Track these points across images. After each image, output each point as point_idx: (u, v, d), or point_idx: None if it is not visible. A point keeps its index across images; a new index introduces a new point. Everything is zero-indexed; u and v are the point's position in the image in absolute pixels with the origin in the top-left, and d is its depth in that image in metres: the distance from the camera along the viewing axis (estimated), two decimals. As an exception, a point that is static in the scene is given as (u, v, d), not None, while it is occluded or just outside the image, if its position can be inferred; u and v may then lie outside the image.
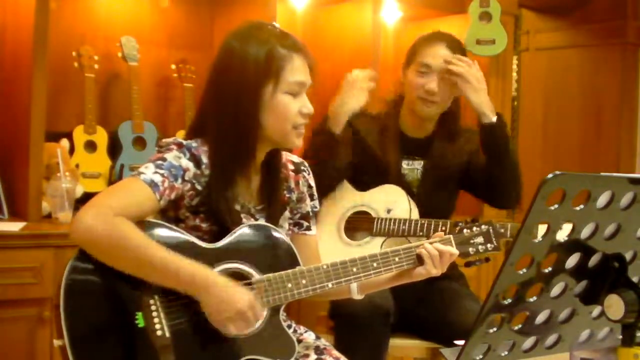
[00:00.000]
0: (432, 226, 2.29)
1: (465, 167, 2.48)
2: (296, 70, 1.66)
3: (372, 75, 2.40)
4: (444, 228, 2.26)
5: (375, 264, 1.72)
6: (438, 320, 2.31)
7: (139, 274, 1.51)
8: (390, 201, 2.38)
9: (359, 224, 2.43)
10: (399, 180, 2.43)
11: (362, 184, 2.45)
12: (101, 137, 2.90)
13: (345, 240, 2.42)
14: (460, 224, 1.90)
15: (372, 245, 2.37)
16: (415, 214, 2.37)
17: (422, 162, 2.47)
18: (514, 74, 4.35)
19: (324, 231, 2.40)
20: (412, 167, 2.46)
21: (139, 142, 2.96)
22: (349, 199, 2.45)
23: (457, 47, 2.44)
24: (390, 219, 2.36)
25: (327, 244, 2.33)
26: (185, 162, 1.62)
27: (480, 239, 1.89)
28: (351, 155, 2.42)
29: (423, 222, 2.32)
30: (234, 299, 1.51)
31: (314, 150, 2.33)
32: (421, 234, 2.29)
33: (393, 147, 2.43)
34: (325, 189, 2.35)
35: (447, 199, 2.51)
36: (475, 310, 2.25)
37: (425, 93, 2.38)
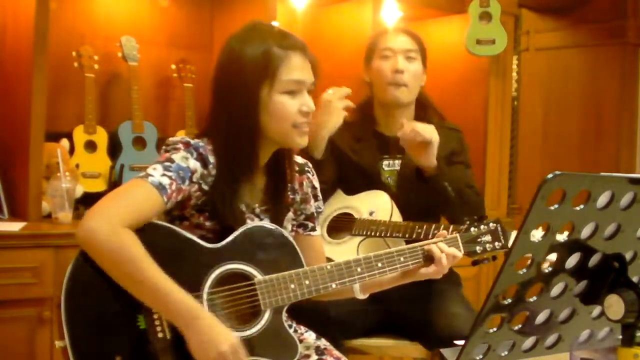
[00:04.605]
0: (409, 229, 2.24)
1: None
2: (293, 69, 1.66)
3: (346, 92, 2.35)
4: (419, 231, 2.21)
5: (379, 264, 1.72)
6: (426, 323, 2.28)
7: (130, 290, 1.48)
8: (374, 204, 2.37)
9: (341, 224, 2.43)
10: (379, 183, 2.42)
11: (350, 190, 2.45)
12: (101, 137, 2.90)
13: (325, 238, 2.40)
14: (467, 222, 1.89)
15: (349, 245, 2.35)
16: (397, 217, 2.34)
17: (401, 162, 2.45)
18: (514, 74, 4.35)
19: None
20: (393, 169, 2.45)
21: (139, 142, 2.96)
22: (336, 201, 2.45)
23: (413, 34, 2.47)
24: (370, 220, 2.34)
25: None
26: (193, 163, 1.62)
27: (487, 237, 1.88)
28: (335, 172, 2.40)
29: (401, 224, 2.28)
30: (217, 339, 1.47)
31: None
32: (398, 235, 2.26)
33: (370, 152, 2.43)
34: None
35: (428, 198, 2.44)
36: (463, 316, 2.25)
37: (394, 74, 2.39)
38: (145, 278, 1.46)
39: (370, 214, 2.37)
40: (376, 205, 2.37)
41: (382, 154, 2.46)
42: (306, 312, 2.12)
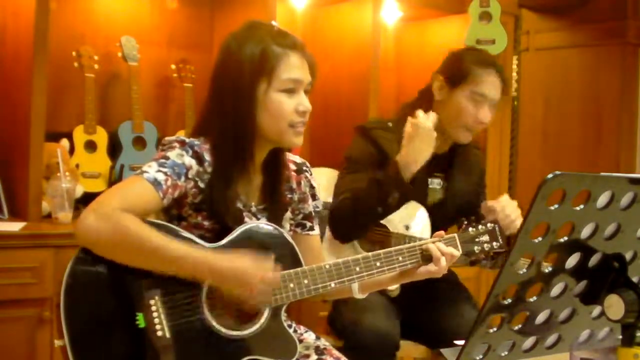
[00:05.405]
0: None
1: (477, 193, 2.44)
2: (291, 68, 1.66)
3: (436, 119, 2.16)
4: None
5: (378, 264, 1.72)
6: (434, 325, 2.29)
7: (140, 265, 1.50)
8: (410, 216, 2.29)
9: (375, 237, 2.34)
10: (423, 200, 2.33)
11: None
12: (101, 137, 2.90)
13: (359, 251, 2.31)
14: (465, 222, 1.89)
15: None
16: (428, 232, 2.29)
17: (441, 183, 2.38)
18: (514, 74, 4.35)
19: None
20: (433, 187, 2.37)
21: (139, 142, 2.96)
22: None
23: (505, 76, 2.32)
24: (408, 237, 2.27)
25: (344, 253, 2.26)
26: (188, 160, 1.62)
27: (485, 237, 1.88)
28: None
29: None
30: (243, 279, 1.51)
31: (368, 196, 2.15)
32: None
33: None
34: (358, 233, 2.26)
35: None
36: (471, 317, 2.25)
37: (475, 122, 2.28)
38: (156, 250, 1.48)
39: (407, 228, 2.30)
40: (412, 217, 2.30)
41: (430, 171, 2.32)
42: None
